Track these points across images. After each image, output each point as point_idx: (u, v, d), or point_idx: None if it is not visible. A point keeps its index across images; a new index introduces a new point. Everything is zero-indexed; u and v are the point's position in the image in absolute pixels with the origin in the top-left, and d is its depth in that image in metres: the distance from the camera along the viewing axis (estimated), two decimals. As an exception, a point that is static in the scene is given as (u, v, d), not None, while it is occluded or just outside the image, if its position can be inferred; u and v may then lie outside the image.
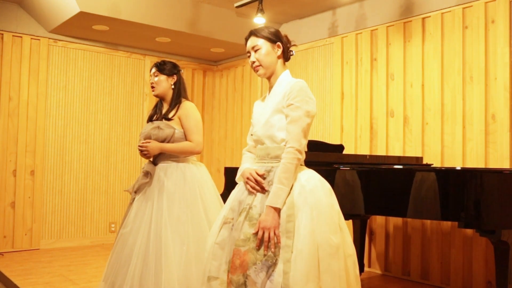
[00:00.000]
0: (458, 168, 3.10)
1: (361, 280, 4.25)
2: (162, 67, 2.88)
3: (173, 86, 2.89)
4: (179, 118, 2.81)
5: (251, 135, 2.20)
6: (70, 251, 5.23)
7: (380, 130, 4.65)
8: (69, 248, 5.36)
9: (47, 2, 5.00)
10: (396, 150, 4.49)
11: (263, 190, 1.99)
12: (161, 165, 2.78)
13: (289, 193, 1.93)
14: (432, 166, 3.98)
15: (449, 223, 4.03)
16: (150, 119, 2.94)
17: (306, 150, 2.10)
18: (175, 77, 2.90)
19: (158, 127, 2.77)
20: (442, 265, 4.08)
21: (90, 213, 5.66)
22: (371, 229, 4.64)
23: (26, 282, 3.91)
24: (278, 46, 2.12)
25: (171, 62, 2.94)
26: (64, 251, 5.20)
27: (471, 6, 4.04)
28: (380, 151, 4.62)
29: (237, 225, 1.97)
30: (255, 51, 2.11)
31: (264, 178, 2.00)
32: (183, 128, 2.80)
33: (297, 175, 1.98)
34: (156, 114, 2.92)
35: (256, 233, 1.88)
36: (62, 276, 4.15)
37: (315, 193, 1.93)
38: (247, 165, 2.12)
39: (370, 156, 3.94)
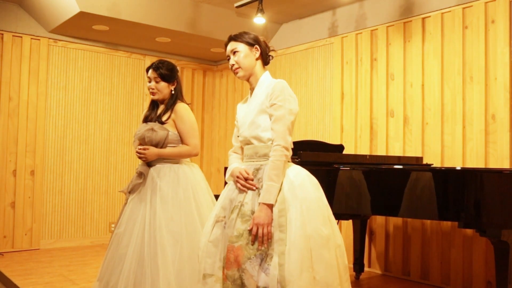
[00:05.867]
0: (458, 168, 3.10)
1: (361, 280, 4.27)
2: (163, 74, 2.84)
3: (173, 92, 2.89)
4: (174, 121, 2.83)
5: (237, 136, 2.28)
6: (70, 251, 5.23)
7: (380, 130, 4.65)
8: (69, 248, 5.36)
9: (47, 2, 5.00)
10: (396, 150, 4.49)
11: (253, 188, 2.05)
12: (155, 166, 2.81)
13: (280, 189, 2.00)
14: (432, 166, 3.98)
15: (449, 223, 4.03)
16: (145, 120, 2.95)
17: (292, 147, 2.15)
18: (175, 82, 2.90)
19: (152, 129, 2.79)
20: (442, 265, 4.08)
21: (90, 213, 5.66)
22: (371, 229, 4.64)
23: (26, 282, 3.91)
24: (256, 49, 2.21)
25: (169, 64, 2.89)
26: (64, 251, 5.20)
27: (471, 6, 4.04)
28: (380, 151, 4.62)
29: (230, 222, 2.04)
30: (234, 54, 2.22)
31: (253, 176, 2.07)
32: (178, 131, 2.82)
33: (286, 171, 2.06)
34: (151, 115, 2.92)
35: (251, 230, 1.95)
36: (62, 276, 4.15)
37: (304, 187, 2.02)
38: (236, 165, 2.19)
39: (370, 156, 3.94)
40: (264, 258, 1.92)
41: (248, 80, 2.24)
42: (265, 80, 2.20)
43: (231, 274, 1.94)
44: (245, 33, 2.24)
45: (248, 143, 2.17)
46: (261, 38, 2.26)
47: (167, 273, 2.54)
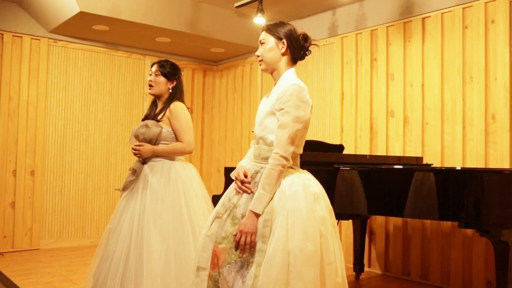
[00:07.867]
0: (458, 168, 3.10)
1: (361, 280, 4.27)
2: (164, 69, 2.91)
3: (170, 90, 2.93)
4: (168, 119, 2.86)
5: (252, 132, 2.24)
6: (70, 251, 5.23)
7: (380, 130, 4.65)
8: (69, 248, 5.36)
9: (47, 2, 5.00)
10: (396, 150, 4.49)
11: (248, 191, 2.01)
12: (148, 163, 2.84)
13: (272, 198, 1.94)
14: (432, 166, 3.98)
15: (449, 223, 4.03)
16: (144, 119, 2.98)
17: (301, 152, 2.10)
18: (174, 82, 2.94)
19: (146, 126, 2.83)
20: (442, 265, 4.08)
21: (90, 213, 5.66)
22: (371, 229, 4.64)
23: (26, 282, 3.91)
24: (283, 43, 2.09)
25: (173, 64, 2.97)
26: (64, 251, 5.20)
27: (471, 6, 4.04)
28: (380, 151, 4.62)
29: (221, 221, 2.02)
30: (261, 45, 2.14)
31: (252, 179, 2.03)
32: (173, 129, 2.85)
33: (281, 180, 1.98)
34: (150, 113, 2.97)
35: (236, 235, 1.92)
36: (62, 276, 4.15)
37: (294, 199, 1.93)
38: (243, 163, 2.15)
39: (370, 156, 3.94)
40: (245, 265, 1.89)
41: (271, 74, 2.15)
42: (286, 78, 2.09)
43: (213, 274, 1.94)
44: (280, 25, 2.13)
45: (257, 142, 2.13)
46: (299, 31, 2.13)
47: (152, 270, 2.55)
